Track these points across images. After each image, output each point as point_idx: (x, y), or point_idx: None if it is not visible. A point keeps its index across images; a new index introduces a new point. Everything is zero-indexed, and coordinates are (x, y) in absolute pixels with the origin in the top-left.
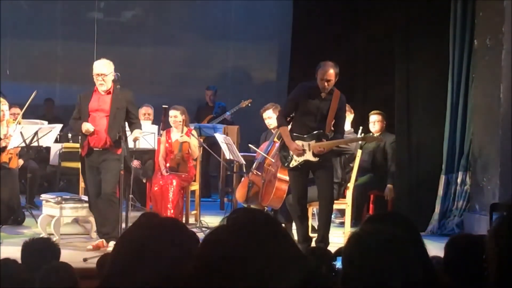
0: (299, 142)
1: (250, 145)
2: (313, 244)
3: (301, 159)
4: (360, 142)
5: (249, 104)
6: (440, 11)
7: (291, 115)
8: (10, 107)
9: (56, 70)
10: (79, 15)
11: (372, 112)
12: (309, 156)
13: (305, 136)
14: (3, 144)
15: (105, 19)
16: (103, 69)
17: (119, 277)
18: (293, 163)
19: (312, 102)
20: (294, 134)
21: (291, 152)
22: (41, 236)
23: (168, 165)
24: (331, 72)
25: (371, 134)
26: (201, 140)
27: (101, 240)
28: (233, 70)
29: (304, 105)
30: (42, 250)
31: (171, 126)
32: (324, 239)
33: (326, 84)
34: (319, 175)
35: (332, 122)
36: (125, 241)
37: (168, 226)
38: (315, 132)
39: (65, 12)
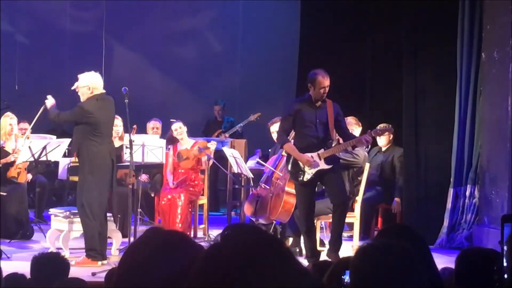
0: (308, 154)
1: (258, 159)
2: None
3: (313, 170)
4: (366, 154)
5: (258, 118)
6: (447, 24)
7: (290, 132)
8: (18, 122)
9: (65, 84)
10: (86, 32)
11: (380, 125)
12: (321, 165)
13: (311, 147)
14: (12, 159)
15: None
16: (79, 82)
17: None
18: (306, 177)
19: (308, 114)
20: (299, 148)
21: (301, 166)
22: (49, 250)
23: (174, 180)
24: (328, 80)
25: (378, 146)
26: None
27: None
28: (241, 84)
29: (301, 118)
30: (51, 265)
31: (178, 140)
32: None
33: (324, 92)
34: (329, 179)
35: (334, 130)
36: (131, 255)
37: (174, 239)
38: (319, 140)
39: (73, 26)
